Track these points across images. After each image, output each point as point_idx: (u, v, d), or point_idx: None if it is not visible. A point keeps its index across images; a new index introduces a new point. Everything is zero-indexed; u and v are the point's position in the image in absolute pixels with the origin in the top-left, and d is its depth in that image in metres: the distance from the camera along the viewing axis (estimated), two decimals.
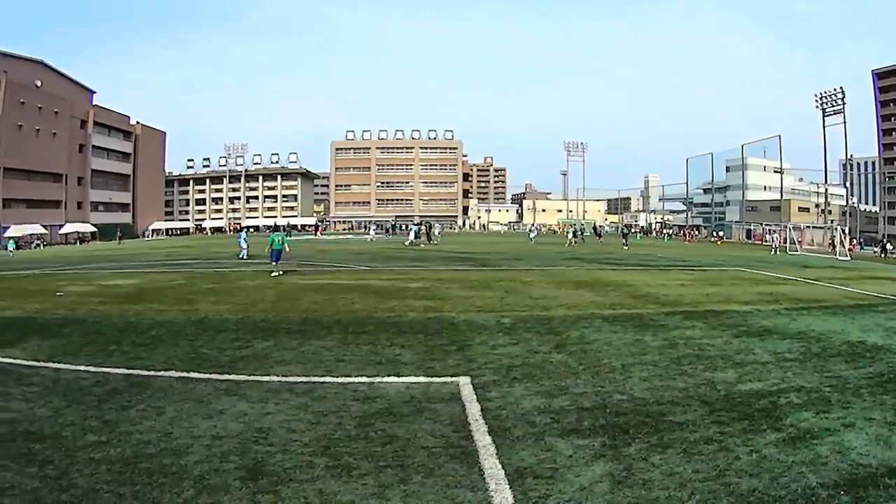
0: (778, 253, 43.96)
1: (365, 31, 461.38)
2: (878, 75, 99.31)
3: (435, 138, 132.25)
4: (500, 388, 7.54)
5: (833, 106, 74.79)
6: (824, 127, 75.66)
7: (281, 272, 21.51)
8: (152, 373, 7.98)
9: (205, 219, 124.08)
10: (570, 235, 52.73)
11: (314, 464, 5.16)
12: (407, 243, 48.97)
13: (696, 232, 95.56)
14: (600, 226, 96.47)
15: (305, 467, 5.08)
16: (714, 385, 7.78)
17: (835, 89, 74.62)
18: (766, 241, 66.27)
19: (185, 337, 10.40)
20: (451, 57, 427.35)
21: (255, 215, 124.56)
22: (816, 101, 76.80)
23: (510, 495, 4.64)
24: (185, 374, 7.91)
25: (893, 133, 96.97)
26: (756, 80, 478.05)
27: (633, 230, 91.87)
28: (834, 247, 44.50)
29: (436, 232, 53.60)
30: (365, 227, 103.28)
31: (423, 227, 60.27)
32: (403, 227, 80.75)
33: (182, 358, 8.85)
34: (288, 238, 24.96)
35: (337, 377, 7.94)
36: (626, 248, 41.60)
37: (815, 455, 5.48)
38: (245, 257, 31.15)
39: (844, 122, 73.59)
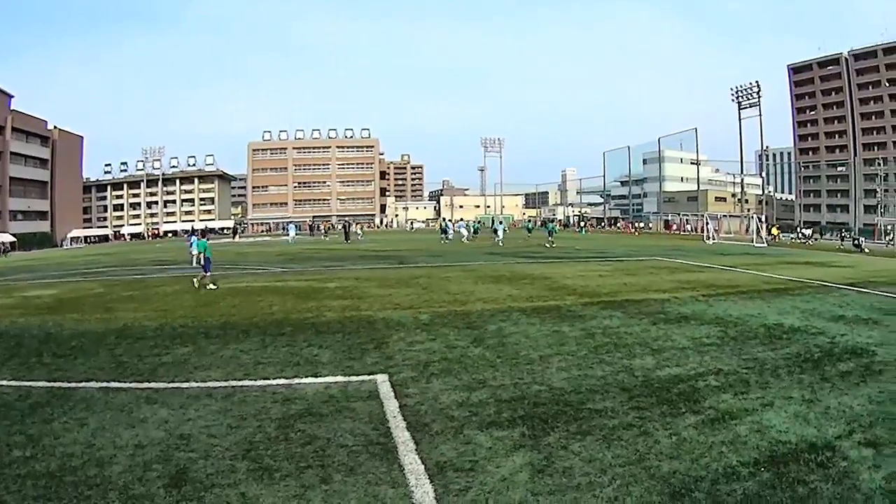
0: (713, 242, 45.41)
1: (281, 31, 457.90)
2: (794, 70, 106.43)
3: (351, 137, 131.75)
4: (418, 384, 7.65)
5: (749, 99, 79.40)
6: (740, 119, 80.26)
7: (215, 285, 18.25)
8: (74, 384, 7.88)
9: (123, 225, 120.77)
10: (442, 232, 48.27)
11: (236, 468, 5.21)
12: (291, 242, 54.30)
13: (616, 224, 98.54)
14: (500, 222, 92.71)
15: (227, 472, 5.14)
16: (633, 372, 8.13)
17: (751, 83, 79.17)
18: (684, 231, 69.16)
19: (105, 346, 10.16)
20: (368, 55, 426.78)
21: (172, 219, 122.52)
22: (732, 94, 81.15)
23: (431, 490, 4.74)
24: (106, 384, 7.85)
25: (808, 125, 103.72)
26: (672, 75, 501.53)
27: (551, 223, 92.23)
28: (759, 234, 46.68)
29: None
30: (283, 229, 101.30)
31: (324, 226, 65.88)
32: (319, 226, 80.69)
33: (103, 367, 8.76)
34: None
35: (256, 380, 7.96)
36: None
37: (735, 435, 5.82)
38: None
39: (760, 114, 78.47)
